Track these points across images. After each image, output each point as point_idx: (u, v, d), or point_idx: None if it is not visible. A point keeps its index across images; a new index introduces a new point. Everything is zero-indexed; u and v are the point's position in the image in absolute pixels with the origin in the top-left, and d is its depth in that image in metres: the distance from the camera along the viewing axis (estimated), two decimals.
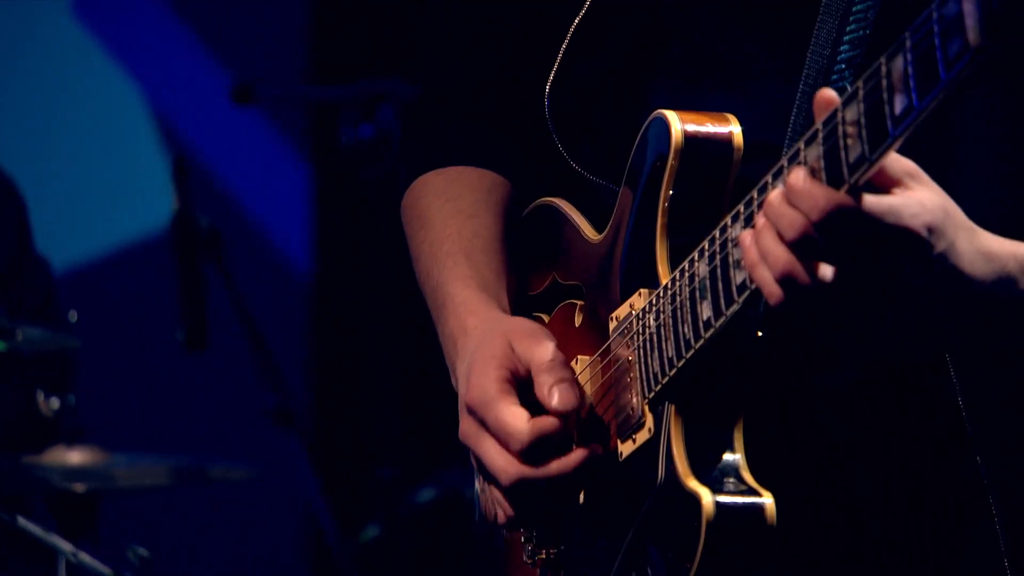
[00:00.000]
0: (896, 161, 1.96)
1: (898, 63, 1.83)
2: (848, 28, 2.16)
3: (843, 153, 1.90)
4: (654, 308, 2.18)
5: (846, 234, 1.92)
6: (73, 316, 4.24)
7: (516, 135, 2.51)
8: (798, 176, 1.92)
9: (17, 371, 4.43)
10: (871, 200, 1.91)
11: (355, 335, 5.33)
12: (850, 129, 1.90)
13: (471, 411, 2.26)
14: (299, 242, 6.19)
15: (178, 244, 4.31)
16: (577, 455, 2.23)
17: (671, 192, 2.18)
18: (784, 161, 1.98)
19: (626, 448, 2.22)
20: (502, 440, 2.22)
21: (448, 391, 3.15)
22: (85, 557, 3.87)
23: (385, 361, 4.59)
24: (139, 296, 5.83)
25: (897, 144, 1.87)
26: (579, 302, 2.37)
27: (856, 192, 1.91)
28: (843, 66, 2.15)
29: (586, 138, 2.38)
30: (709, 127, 2.17)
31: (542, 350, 2.25)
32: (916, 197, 1.95)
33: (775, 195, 1.94)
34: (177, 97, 6.07)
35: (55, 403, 4.11)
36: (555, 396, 2.21)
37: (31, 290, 4.50)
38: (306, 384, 6.08)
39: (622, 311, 2.24)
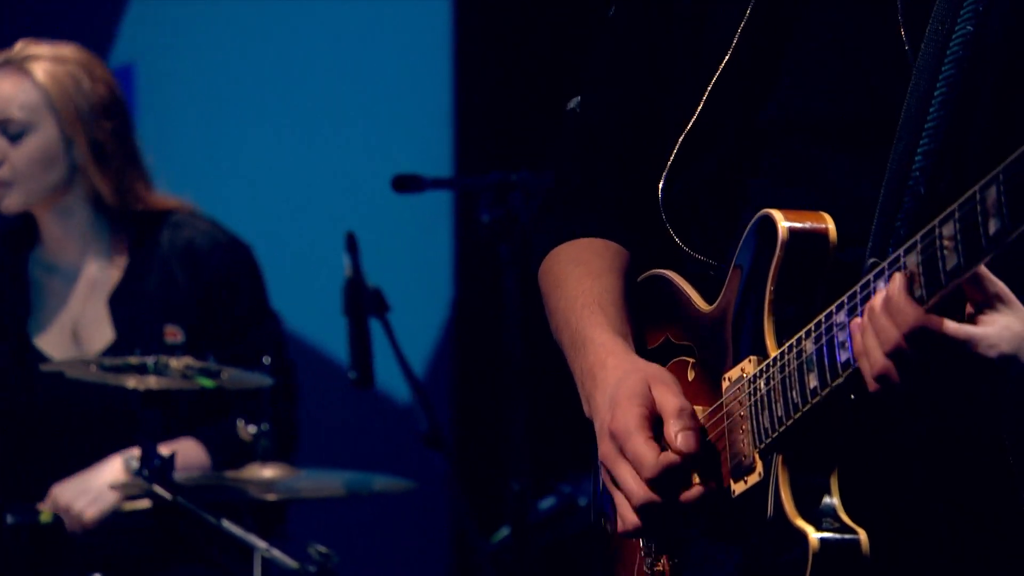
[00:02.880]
0: (990, 283, 1.94)
1: (992, 193, 1.80)
2: (921, 142, 2.09)
3: (940, 263, 1.87)
4: (764, 375, 2.14)
5: (930, 347, 1.91)
6: (267, 360, 4.19)
7: (632, 216, 2.45)
8: (895, 287, 1.90)
9: (222, 404, 4.42)
10: (953, 326, 1.90)
11: (491, 376, 5.30)
12: (947, 243, 1.86)
13: (612, 437, 2.22)
14: (445, 302, 6.19)
15: (349, 303, 4.33)
16: (696, 490, 2.19)
17: (776, 278, 2.14)
18: (885, 264, 1.96)
19: (738, 487, 2.18)
20: (636, 466, 2.18)
21: (564, 421, 3.11)
22: (276, 553, 3.86)
23: (515, 398, 4.55)
24: (319, 344, 5.86)
25: (986, 259, 1.84)
26: (690, 359, 2.32)
27: (942, 312, 1.90)
28: (917, 173, 2.08)
29: (693, 224, 2.34)
30: (809, 224, 2.13)
31: (675, 399, 2.21)
32: (997, 326, 1.93)
33: (877, 301, 1.93)
34: (349, 184, 6.10)
35: (252, 429, 4.09)
36: (680, 439, 2.16)
37: (265, 339, 4.46)
38: (452, 415, 6.07)
39: (734, 373, 2.20)
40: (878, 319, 1.93)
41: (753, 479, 2.15)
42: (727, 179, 2.30)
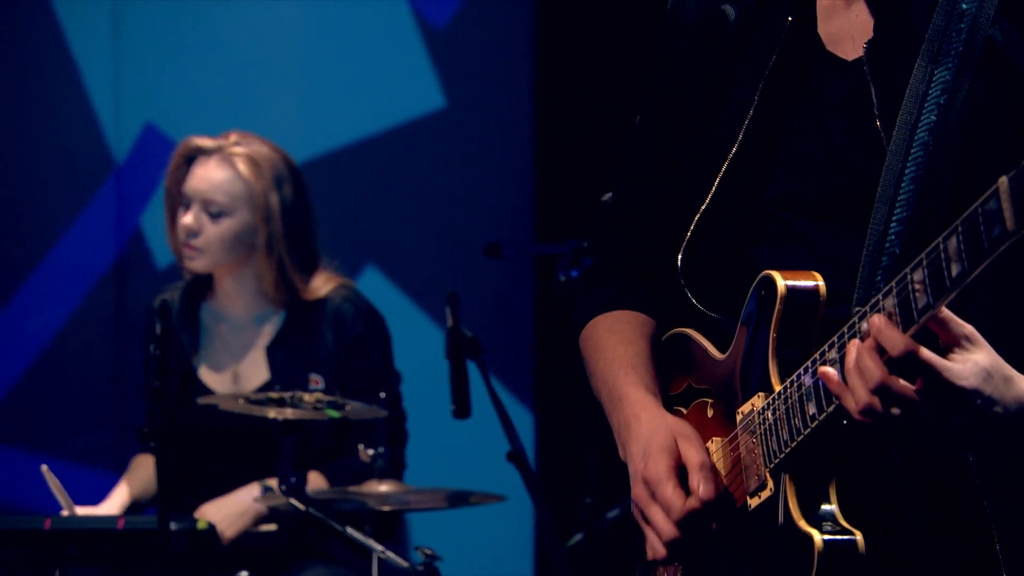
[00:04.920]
0: (958, 325, 1.94)
1: (953, 242, 1.82)
2: (895, 212, 2.11)
3: (914, 303, 1.89)
4: (771, 407, 2.15)
5: (910, 369, 1.91)
6: (382, 395, 4.25)
7: (656, 288, 2.46)
8: (879, 321, 1.92)
9: (346, 431, 4.48)
10: (928, 353, 1.91)
11: (567, 408, 5.30)
12: (918, 285, 1.88)
13: (645, 483, 2.24)
14: (528, 348, 6.19)
15: (451, 348, 4.32)
16: (715, 527, 2.22)
17: (778, 326, 2.16)
18: (867, 308, 1.97)
19: (753, 502, 2.19)
20: (665, 510, 2.21)
21: None
22: (390, 554, 3.88)
23: (587, 427, 4.57)
24: (426, 382, 5.90)
25: (951, 298, 1.85)
26: (709, 400, 2.33)
27: (920, 339, 1.90)
28: (893, 237, 2.11)
29: (708, 288, 2.33)
30: (802, 282, 2.15)
31: (697, 453, 2.22)
32: (968, 362, 1.93)
33: (864, 358, 1.94)
34: (450, 251, 6.13)
35: (371, 452, 4.12)
36: (701, 488, 2.19)
37: (389, 391, 4.51)
38: (535, 441, 6.07)
39: (746, 408, 2.22)
40: (866, 363, 1.93)
41: (766, 494, 2.16)
42: (735, 249, 2.31)
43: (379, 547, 3.88)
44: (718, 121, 2.32)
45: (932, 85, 2.11)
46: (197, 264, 4.46)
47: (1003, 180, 1.74)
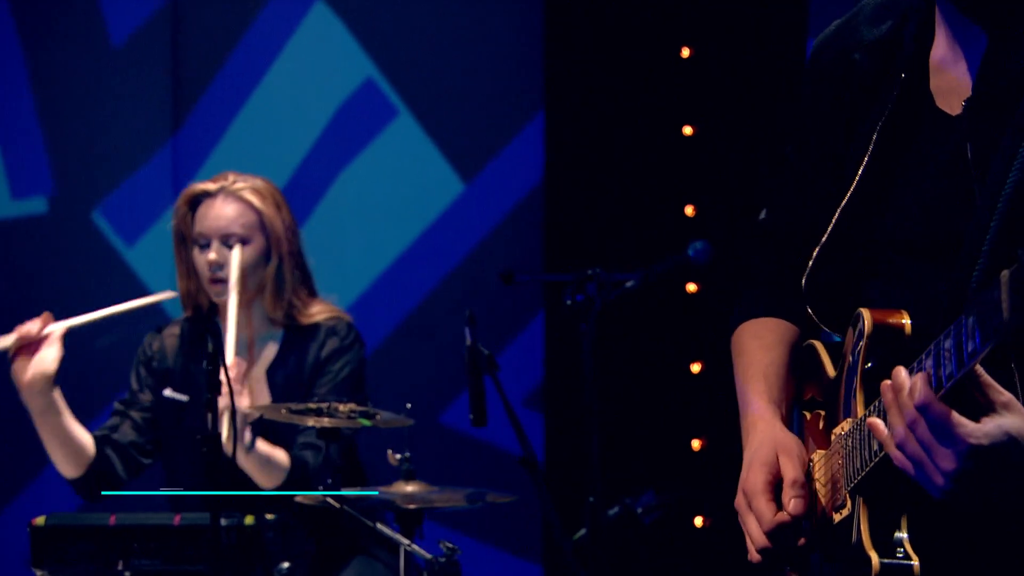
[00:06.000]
0: (997, 392, 1.94)
1: (971, 320, 1.85)
2: (979, 260, 2.10)
3: (942, 369, 1.92)
4: (852, 434, 2.19)
5: (935, 423, 1.93)
6: (408, 406, 4.29)
7: (797, 300, 2.44)
8: (917, 380, 1.94)
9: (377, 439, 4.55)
10: (955, 414, 1.93)
11: (572, 418, 5.31)
12: (947, 353, 1.91)
13: (744, 493, 2.29)
14: (538, 364, 6.23)
15: (469, 364, 4.36)
16: (802, 540, 2.27)
17: (864, 359, 2.19)
18: (915, 364, 2.00)
19: (836, 517, 2.23)
20: (758, 519, 2.27)
21: (628, 452, 2.98)
22: (415, 547, 3.95)
23: (591, 434, 4.59)
24: (446, 394, 6.01)
25: (969, 369, 1.87)
26: (822, 412, 2.36)
27: (949, 401, 1.92)
28: (975, 284, 2.09)
29: (828, 310, 2.35)
30: (890, 320, 2.17)
31: (793, 471, 2.27)
32: (991, 424, 1.93)
33: (903, 391, 1.98)
34: (469, 277, 6.20)
35: (398, 456, 4.18)
36: (791, 505, 2.25)
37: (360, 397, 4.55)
38: (544, 446, 6.12)
39: (838, 429, 2.26)
40: (903, 399, 1.97)
41: (845, 512, 2.19)
42: (850, 280, 2.33)
43: (406, 541, 3.91)
44: (841, 163, 2.36)
45: (1023, 144, 2.09)
46: (225, 297, 4.45)
47: (1005, 273, 1.76)
